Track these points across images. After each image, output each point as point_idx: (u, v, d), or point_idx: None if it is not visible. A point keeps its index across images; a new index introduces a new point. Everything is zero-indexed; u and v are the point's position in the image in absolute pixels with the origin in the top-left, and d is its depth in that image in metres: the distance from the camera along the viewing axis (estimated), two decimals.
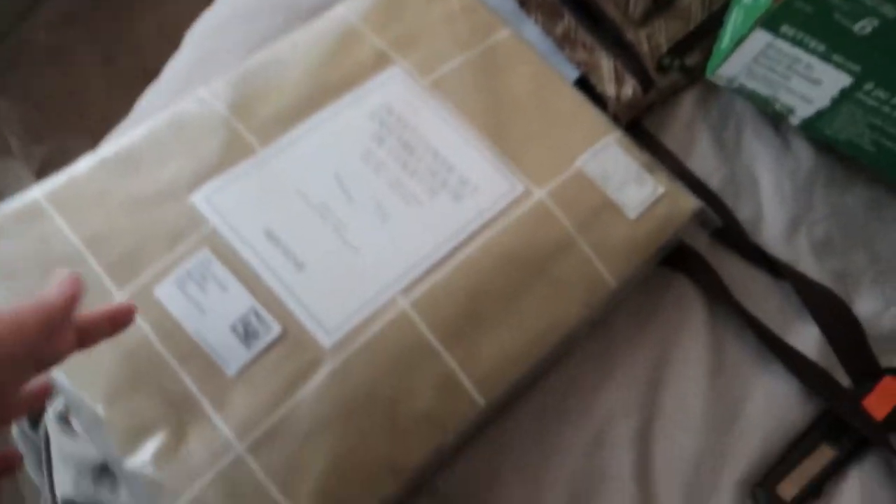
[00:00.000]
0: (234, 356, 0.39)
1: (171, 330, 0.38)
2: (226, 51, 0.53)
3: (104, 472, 0.41)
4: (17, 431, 0.48)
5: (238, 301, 0.39)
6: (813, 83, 0.51)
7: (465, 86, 0.49)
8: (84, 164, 0.42)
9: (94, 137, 1.02)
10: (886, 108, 0.50)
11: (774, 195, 0.55)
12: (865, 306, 0.51)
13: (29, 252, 0.39)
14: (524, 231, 0.45)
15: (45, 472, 0.45)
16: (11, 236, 0.40)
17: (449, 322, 0.42)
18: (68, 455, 0.42)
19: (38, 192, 0.41)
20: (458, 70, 0.49)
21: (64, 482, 0.42)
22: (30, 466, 0.48)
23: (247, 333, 0.39)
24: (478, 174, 0.46)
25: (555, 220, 0.46)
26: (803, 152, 0.56)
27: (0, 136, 0.93)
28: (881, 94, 0.50)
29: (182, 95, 0.47)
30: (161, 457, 0.36)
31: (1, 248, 0.39)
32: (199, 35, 0.55)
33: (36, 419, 0.44)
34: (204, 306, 0.39)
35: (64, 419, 0.42)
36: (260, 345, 0.39)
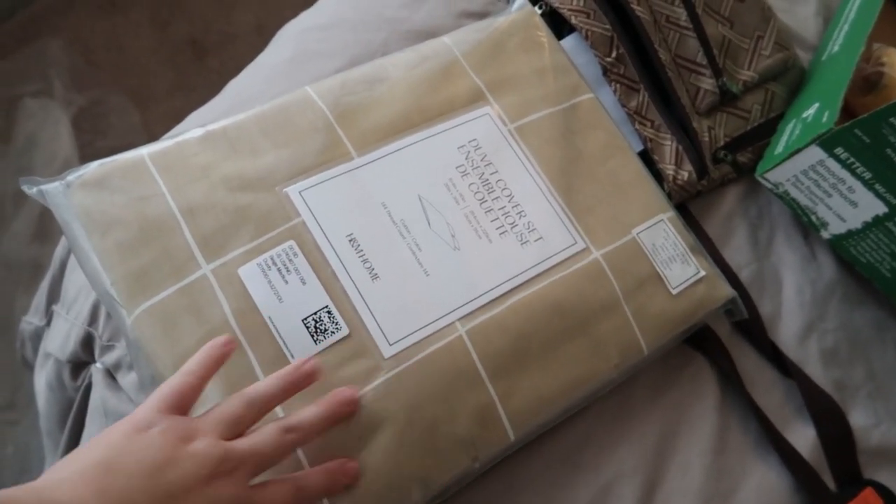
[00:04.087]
0: (301, 348, 0.40)
1: (247, 311, 0.40)
2: (328, 53, 0.55)
3: None
4: (44, 383, 0.48)
5: (315, 297, 0.41)
6: (851, 205, 0.56)
7: (545, 138, 0.52)
8: (191, 135, 0.44)
9: (131, 97, 1.03)
10: None
11: (794, 299, 0.58)
12: (858, 418, 0.55)
13: (127, 208, 0.40)
14: (577, 286, 0.48)
15: (70, 425, 0.45)
16: (113, 190, 0.41)
17: (497, 356, 0.44)
18: (111, 410, 0.42)
19: (144, 150, 0.43)
20: (542, 121, 0.52)
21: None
22: (49, 421, 0.48)
23: (317, 329, 0.41)
24: (544, 224, 0.49)
25: (606, 280, 0.49)
26: (826, 265, 0.60)
27: (46, 78, 0.93)
28: None
29: (282, 86, 0.49)
30: None
31: (102, 199, 0.40)
32: (302, 32, 0.57)
33: (79, 369, 0.45)
34: (282, 295, 0.41)
35: (111, 375, 0.43)
36: (327, 342, 0.41)
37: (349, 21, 0.57)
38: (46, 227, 0.99)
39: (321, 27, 0.57)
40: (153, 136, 0.44)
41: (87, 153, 0.99)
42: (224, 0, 1.09)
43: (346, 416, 0.39)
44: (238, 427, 0.35)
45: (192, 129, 0.44)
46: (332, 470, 0.37)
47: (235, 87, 0.56)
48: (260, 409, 0.36)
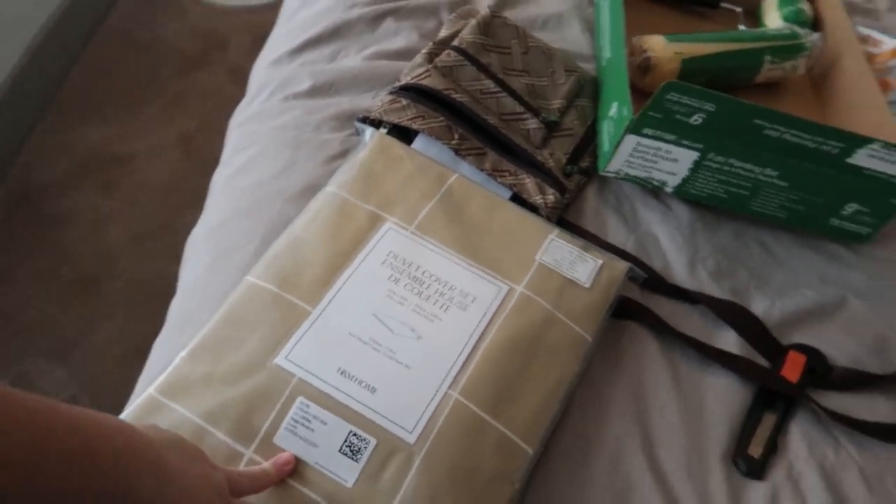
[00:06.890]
0: (348, 471, 0.49)
1: (297, 468, 0.49)
2: (241, 244, 0.64)
3: None
4: None
5: (338, 429, 0.51)
6: (673, 162, 0.71)
7: (440, 223, 0.64)
8: (179, 359, 0.53)
9: (50, 358, 1.06)
10: (726, 167, 0.71)
11: (671, 246, 0.73)
12: (758, 307, 0.70)
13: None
14: (518, 319, 0.60)
15: None
16: None
17: (489, 398, 0.55)
18: None
19: (151, 389, 0.51)
20: (431, 213, 0.64)
21: None
22: None
23: (352, 451, 0.50)
24: (472, 287, 0.61)
25: (536, 304, 0.61)
26: (681, 210, 0.76)
27: None
28: (720, 159, 0.70)
29: (217, 287, 0.58)
30: None
31: None
32: (207, 236, 0.66)
33: None
34: (315, 441, 0.50)
35: None
36: (365, 456, 0.50)
37: (243, 210, 0.67)
38: None
39: (222, 225, 0.67)
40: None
41: None
42: (90, 234, 1.15)
43: (287, 475, 0.49)
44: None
45: (178, 355, 0.53)
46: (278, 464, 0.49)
47: (177, 309, 0.63)
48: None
